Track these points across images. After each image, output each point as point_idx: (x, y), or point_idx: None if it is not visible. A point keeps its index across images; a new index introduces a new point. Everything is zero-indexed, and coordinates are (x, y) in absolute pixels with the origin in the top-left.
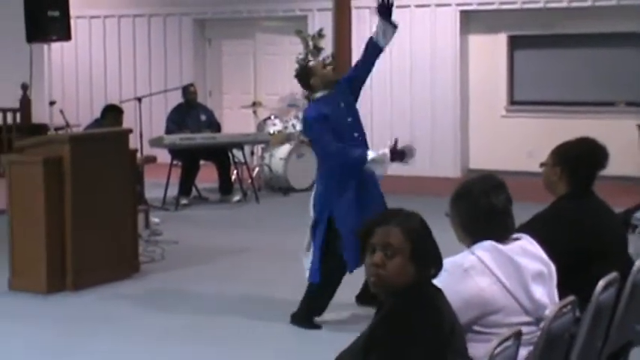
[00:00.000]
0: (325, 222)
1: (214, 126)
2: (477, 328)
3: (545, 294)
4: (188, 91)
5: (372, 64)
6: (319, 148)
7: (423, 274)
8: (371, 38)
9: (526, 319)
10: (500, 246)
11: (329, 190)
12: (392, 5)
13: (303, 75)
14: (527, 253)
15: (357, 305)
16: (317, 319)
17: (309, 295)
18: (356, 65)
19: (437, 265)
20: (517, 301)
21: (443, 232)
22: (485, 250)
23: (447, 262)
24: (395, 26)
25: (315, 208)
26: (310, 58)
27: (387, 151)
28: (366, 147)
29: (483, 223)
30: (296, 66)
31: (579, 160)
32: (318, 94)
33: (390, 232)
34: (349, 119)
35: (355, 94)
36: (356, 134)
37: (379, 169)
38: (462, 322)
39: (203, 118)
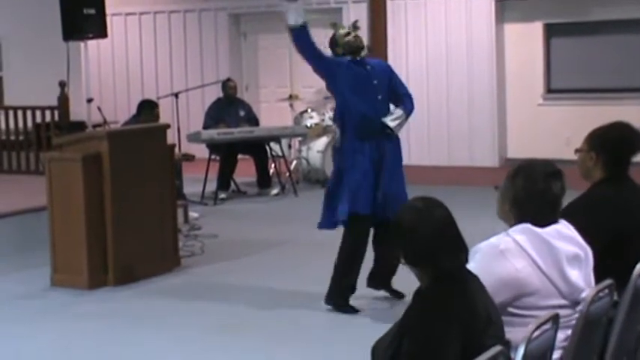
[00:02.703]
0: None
1: (253, 121)
2: (512, 310)
3: (581, 277)
4: (227, 86)
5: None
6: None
7: (438, 266)
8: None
9: (562, 301)
10: (536, 229)
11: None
12: None
13: (331, 47)
14: (564, 236)
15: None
16: (356, 305)
17: (335, 270)
18: (397, 97)
19: (460, 253)
20: (552, 284)
21: (479, 218)
22: (521, 232)
23: (482, 244)
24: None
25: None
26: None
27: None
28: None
29: (535, 205)
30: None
31: (614, 144)
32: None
33: (394, 226)
34: (375, 81)
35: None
36: (379, 96)
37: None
38: (496, 303)
39: (242, 113)
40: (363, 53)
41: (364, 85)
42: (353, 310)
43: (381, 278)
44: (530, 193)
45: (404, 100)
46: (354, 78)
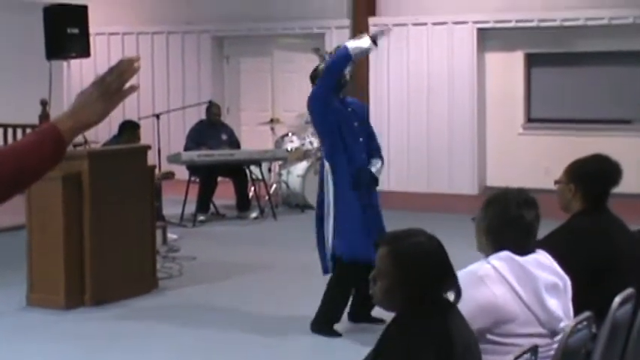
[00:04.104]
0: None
1: (235, 145)
2: (490, 337)
3: (560, 307)
4: (211, 110)
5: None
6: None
7: (426, 296)
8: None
9: (540, 330)
10: (516, 257)
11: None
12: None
13: (314, 76)
14: (542, 265)
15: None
16: (338, 328)
17: (324, 298)
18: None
19: (450, 286)
20: (531, 311)
21: (459, 246)
22: (500, 259)
23: (462, 271)
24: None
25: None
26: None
27: (365, 35)
28: (371, 155)
29: (509, 232)
30: None
31: (592, 176)
32: None
33: (381, 254)
34: (355, 124)
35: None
36: (361, 139)
37: (363, 47)
38: (475, 329)
39: (224, 137)
40: (344, 93)
41: (346, 125)
42: (335, 334)
43: (362, 312)
44: (504, 222)
45: (375, 144)
46: (338, 117)
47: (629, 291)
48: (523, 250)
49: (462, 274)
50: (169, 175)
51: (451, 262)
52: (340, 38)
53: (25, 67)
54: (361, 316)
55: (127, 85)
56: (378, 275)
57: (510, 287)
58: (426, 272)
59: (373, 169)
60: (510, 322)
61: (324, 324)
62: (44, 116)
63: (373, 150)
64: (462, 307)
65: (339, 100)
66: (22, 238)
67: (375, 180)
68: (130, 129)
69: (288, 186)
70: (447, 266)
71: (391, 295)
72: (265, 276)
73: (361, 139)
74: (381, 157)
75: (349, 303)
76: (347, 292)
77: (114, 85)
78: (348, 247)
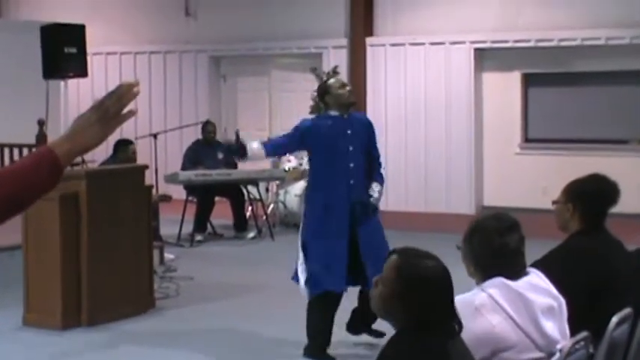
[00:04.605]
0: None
1: (231, 164)
2: None
3: (556, 328)
4: (207, 129)
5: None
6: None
7: (423, 319)
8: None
9: (538, 354)
10: (509, 282)
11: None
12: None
13: (321, 91)
14: (536, 288)
15: (349, 334)
16: (331, 351)
17: (307, 325)
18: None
19: (447, 316)
20: (528, 337)
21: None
22: (495, 287)
23: (457, 300)
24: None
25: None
26: (331, 75)
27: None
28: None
29: (495, 261)
30: (311, 102)
31: (590, 196)
32: (330, 113)
33: (389, 262)
34: (350, 148)
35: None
36: (352, 165)
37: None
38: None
39: (220, 156)
40: (350, 110)
41: (335, 150)
42: (328, 358)
43: (363, 322)
44: (489, 253)
45: (375, 166)
46: (326, 142)
47: (626, 311)
48: (514, 275)
49: (457, 302)
50: (166, 199)
51: (451, 295)
52: (338, 58)
53: (22, 86)
54: (361, 328)
55: (126, 109)
56: (380, 280)
57: (507, 315)
58: (423, 295)
59: (375, 195)
60: (509, 349)
61: (314, 349)
62: (41, 136)
63: (372, 160)
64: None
65: (340, 119)
66: (19, 258)
67: (374, 209)
68: (122, 146)
69: (285, 206)
70: (445, 296)
71: (388, 305)
72: (263, 296)
73: (352, 165)
74: (379, 178)
75: (350, 315)
76: (325, 318)
77: (113, 109)
78: (313, 282)
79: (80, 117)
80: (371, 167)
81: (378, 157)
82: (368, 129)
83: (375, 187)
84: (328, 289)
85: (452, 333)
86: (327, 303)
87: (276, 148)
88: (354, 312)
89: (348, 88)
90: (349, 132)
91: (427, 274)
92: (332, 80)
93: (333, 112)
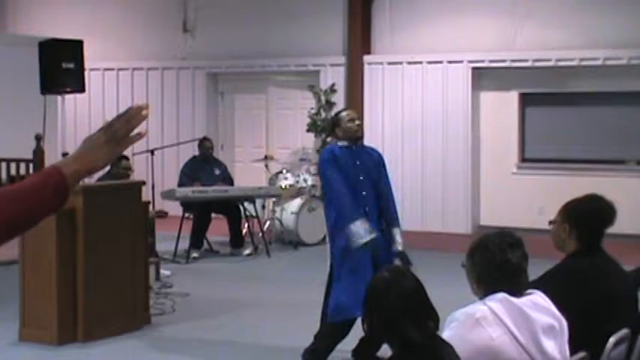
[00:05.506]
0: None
1: (228, 180)
2: None
3: (557, 348)
4: (204, 145)
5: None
6: (327, 188)
7: (405, 336)
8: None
9: None
10: (511, 298)
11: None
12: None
13: (331, 122)
14: (539, 307)
15: None
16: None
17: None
18: (384, 204)
19: (428, 322)
20: (528, 353)
21: (454, 285)
22: (496, 301)
23: (458, 312)
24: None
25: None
26: (344, 109)
27: (375, 234)
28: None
29: (498, 277)
30: (308, 120)
31: (587, 216)
32: (339, 143)
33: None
34: (360, 177)
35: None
36: (364, 193)
37: (355, 241)
38: None
39: (217, 172)
40: (359, 143)
41: (350, 178)
42: None
43: (368, 351)
44: (491, 269)
45: (389, 206)
46: (342, 170)
47: (623, 331)
48: (516, 292)
49: (458, 316)
50: (161, 215)
51: (418, 306)
52: (335, 75)
53: (19, 101)
54: (366, 355)
55: (135, 132)
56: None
57: (507, 329)
58: (385, 306)
59: (399, 247)
60: None
61: (314, 354)
62: (38, 151)
63: (382, 196)
64: (459, 349)
65: (349, 150)
66: (15, 273)
67: (407, 261)
68: (115, 161)
69: (281, 223)
70: (402, 308)
71: (369, 320)
72: (258, 313)
73: (364, 193)
74: (395, 218)
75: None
76: (335, 339)
77: (121, 131)
78: (334, 307)
79: (89, 138)
80: (384, 206)
81: (389, 192)
82: (378, 163)
83: (396, 235)
84: (356, 315)
85: (441, 341)
86: (338, 331)
87: (342, 196)
88: (362, 338)
89: (357, 122)
90: (358, 163)
91: (386, 285)
92: (343, 113)
93: (342, 143)
